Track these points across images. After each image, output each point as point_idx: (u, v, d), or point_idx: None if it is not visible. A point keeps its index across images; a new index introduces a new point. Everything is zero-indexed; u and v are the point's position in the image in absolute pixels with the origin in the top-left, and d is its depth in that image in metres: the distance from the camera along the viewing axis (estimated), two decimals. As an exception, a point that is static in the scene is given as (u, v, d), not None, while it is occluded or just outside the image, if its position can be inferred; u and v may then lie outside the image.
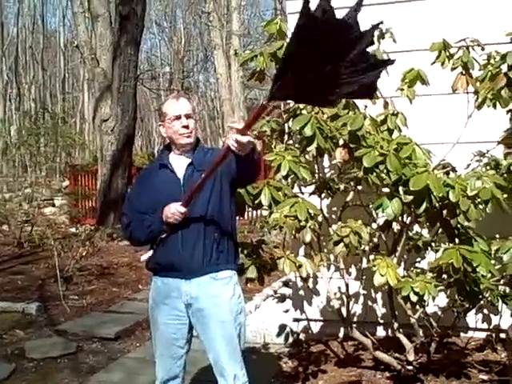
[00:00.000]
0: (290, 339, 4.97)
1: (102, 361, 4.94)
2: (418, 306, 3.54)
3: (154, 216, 2.80)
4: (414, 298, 3.21)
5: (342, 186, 3.91)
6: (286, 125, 4.21)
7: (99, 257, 9.09)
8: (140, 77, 14.63)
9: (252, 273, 3.44)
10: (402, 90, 3.91)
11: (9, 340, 5.52)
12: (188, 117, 2.85)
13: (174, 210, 2.70)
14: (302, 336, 4.98)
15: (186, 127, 2.84)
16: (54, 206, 13.97)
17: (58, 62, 37.88)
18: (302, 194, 4.06)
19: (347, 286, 4.02)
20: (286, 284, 6.31)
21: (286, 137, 4.23)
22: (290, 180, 3.78)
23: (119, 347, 5.31)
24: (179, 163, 2.89)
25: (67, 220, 12.88)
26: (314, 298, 4.79)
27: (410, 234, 3.97)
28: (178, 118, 2.84)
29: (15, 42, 35.20)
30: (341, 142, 3.74)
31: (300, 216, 3.39)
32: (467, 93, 3.80)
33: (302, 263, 3.56)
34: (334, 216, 4.40)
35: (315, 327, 4.94)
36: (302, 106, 3.84)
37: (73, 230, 11.20)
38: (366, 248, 3.71)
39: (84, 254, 7.82)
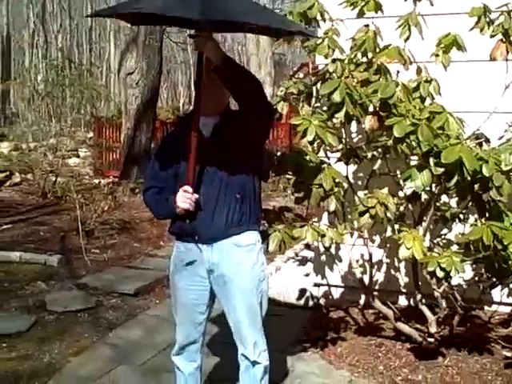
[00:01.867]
0: (310, 303, 4.95)
1: (121, 317, 4.98)
2: (443, 281, 3.46)
3: (168, 202, 2.72)
4: (440, 274, 3.13)
5: (369, 154, 3.80)
6: (314, 87, 4.08)
7: (121, 211, 9.10)
8: (166, 30, 14.38)
9: (274, 243, 3.36)
10: (437, 55, 3.74)
11: (30, 291, 5.58)
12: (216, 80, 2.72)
13: (180, 196, 2.65)
14: (322, 301, 4.95)
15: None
16: (78, 157, 14.04)
17: (85, 11, 37.57)
18: (328, 159, 3.97)
19: (370, 254, 3.95)
20: (307, 246, 6.25)
21: (313, 100, 4.11)
22: (315, 145, 3.68)
23: (138, 303, 5.34)
24: (207, 125, 2.78)
25: (91, 171, 12.92)
26: (335, 264, 4.73)
27: (438, 204, 3.86)
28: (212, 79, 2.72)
29: (43, -12, 34.97)
30: (370, 108, 3.62)
31: (325, 184, 3.30)
32: (506, 60, 3.64)
33: (325, 232, 3.48)
34: (359, 184, 4.30)
35: (336, 293, 4.90)
36: (331, 69, 3.71)
37: (97, 181, 11.26)
38: (391, 217, 3.61)
39: (106, 208, 7.84)
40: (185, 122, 2.84)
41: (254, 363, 2.85)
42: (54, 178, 10.68)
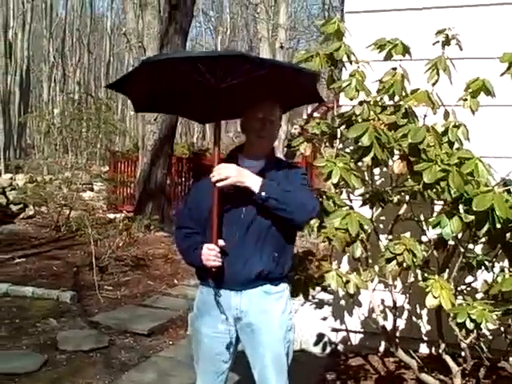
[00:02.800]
0: (328, 349, 4.81)
1: (134, 358, 4.87)
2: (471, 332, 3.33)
3: (195, 254, 2.64)
4: (470, 326, 3.00)
5: (395, 198, 3.72)
6: (338, 130, 4.03)
7: (135, 247, 9.04)
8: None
9: (298, 289, 3.27)
10: (465, 100, 3.68)
11: (42, 329, 5.50)
12: (270, 121, 2.70)
13: (205, 254, 2.57)
14: (340, 347, 4.81)
15: (264, 133, 2.70)
16: (92, 190, 14.05)
17: (103, 46, 38.22)
18: (351, 202, 3.89)
19: (394, 302, 3.83)
20: (324, 289, 6.13)
21: (337, 141, 4.05)
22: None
23: (152, 344, 5.23)
24: (248, 169, 2.65)
25: (105, 205, 12.92)
26: (355, 309, 4.61)
27: (462, 249, 3.76)
28: (260, 120, 2.68)
29: (63, 24, 35.58)
30: (396, 152, 3.56)
31: (351, 229, 3.21)
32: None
33: (349, 279, 3.38)
34: (381, 227, 4.21)
35: (355, 339, 4.76)
36: (358, 111, 3.66)
37: (110, 215, 11.23)
38: (419, 264, 3.51)
39: (121, 244, 7.78)
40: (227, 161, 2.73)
41: None
42: (67, 212, 10.67)
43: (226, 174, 2.52)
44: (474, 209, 2.96)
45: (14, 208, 11.68)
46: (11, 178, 12.77)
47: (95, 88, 37.41)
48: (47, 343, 5.09)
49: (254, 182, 2.52)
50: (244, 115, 2.75)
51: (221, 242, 2.59)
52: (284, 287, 2.75)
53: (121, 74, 38.34)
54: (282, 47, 20.24)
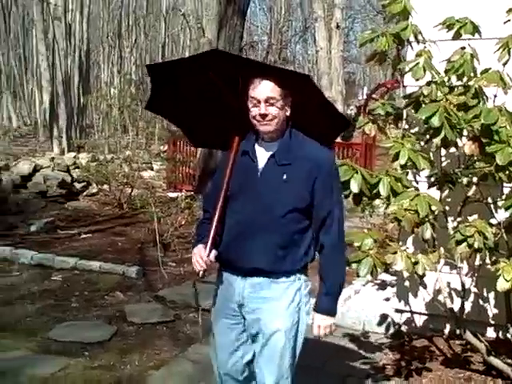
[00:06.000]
0: (391, 330, 4.83)
1: (199, 332, 4.99)
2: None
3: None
4: (543, 309, 2.99)
5: (464, 180, 3.69)
6: (404, 110, 4.02)
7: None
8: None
9: (365, 268, 3.29)
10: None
11: (110, 301, 5.71)
12: (269, 102, 2.44)
13: (196, 257, 2.56)
14: (403, 328, 4.82)
15: (264, 116, 2.46)
16: (152, 169, 14.29)
17: (159, 28, 38.45)
18: (417, 183, 3.89)
19: (463, 284, 3.83)
20: (386, 270, 6.13)
21: (403, 122, 4.04)
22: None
23: (215, 319, 5.34)
24: (262, 152, 2.57)
25: (164, 184, 13.13)
26: (419, 291, 4.61)
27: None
28: (258, 102, 2.45)
29: (120, 6, 35.99)
30: (465, 132, 3.53)
31: (421, 211, 3.22)
32: None
33: (418, 260, 3.39)
34: (449, 209, 4.19)
35: (419, 320, 4.76)
36: (426, 92, 3.64)
37: (170, 194, 11.41)
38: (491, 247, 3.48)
39: (183, 222, 7.92)
40: (242, 146, 2.63)
41: None
42: (129, 190, 10.91)
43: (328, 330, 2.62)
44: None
45: (78, 186, 12.01)
46: (74, 157, 13.11)
47: (152, 69, 37.72)
48: (116, 315, 5.28)
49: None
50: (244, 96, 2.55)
51: (212, 255, 2.54)
52: (295, 278, 2.59)
53: (176, 55, 38.69)
54: (337, 27, 20.02)
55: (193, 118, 2.89)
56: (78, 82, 24.62)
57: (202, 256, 2.51)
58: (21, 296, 5.73)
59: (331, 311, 2.60)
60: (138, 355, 4.43)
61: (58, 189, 11.42)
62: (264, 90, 2.43)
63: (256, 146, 2.59)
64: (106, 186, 11.69)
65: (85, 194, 11.86)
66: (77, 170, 12.26)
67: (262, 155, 2.56)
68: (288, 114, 2.52)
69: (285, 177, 2.48)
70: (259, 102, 2.44)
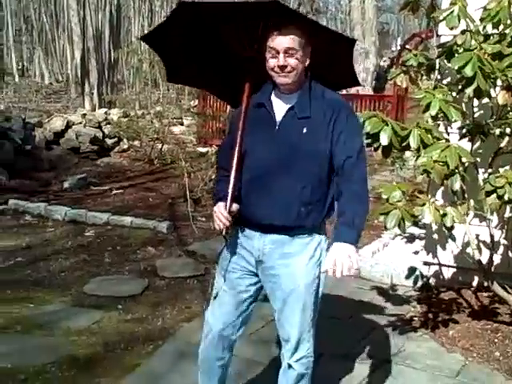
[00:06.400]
0: (419, 283, 4.82)
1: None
2: None
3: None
4: None
5: (497, 131, 3.60)
6: (437, 61, 3.91)
7: (226, 181, 9.19)
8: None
9: (393, 220, 3.24)
10: None
11: (141, 256, 5.81)
12: (288, 53, 2.34)
13: (216, 214, 2.44)
14: (431, 281, 4.81)
15: (283, 67, 2.36)
16: (182, 124, 14.29)
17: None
18: (448, 135, 3.81)
19: (492, 236, 3.78)
20: (415, 223, 6.09)
21: (436, 73, 3.94)
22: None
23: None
24: (280, 104, 2.48)
25: (195, 139, 13.14)
26: (448, 243, 4.57)
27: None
28: (276, 52, 2.35)
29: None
30: (499, 82, 3.43)
31: (450, 162, 3.16)
32: None
33: (446, 212, 3.35)
34: (480, 160, 4.11)
35: (447, 273, 4.74)
36: (460, 41, 3.52)
37: (200, 149, 11.43)
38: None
39: (213, 177, 7.93)
40: (256, 98, 2.54)
41: (289, 367, 2.61)
42: (160, 145, 10.96)
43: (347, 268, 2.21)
44: None
45: (109, 142, 12.11)
46: (105, 113, 13.17)
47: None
48: (147, 269, 5.38)
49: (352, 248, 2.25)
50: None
51: (234, 207, 2.46)
52: (315, 233, 2.52)
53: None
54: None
55: (213, 78, 2.84)
56: (108, 37, 24.54)
57: (222, 213, 2.42)
58: (55, 251, 5.86)
59: (353, 241, 2.26)
60: (170, 308, 4.51)
61: (90, 145, 11.56)
62: (284, 40, 2.33)
63: (273, 98, 2.50)
64: (136, 142, 11.76)
65: (116, 149, 11.97)
66: (108, 125, 12.34)
67: (280, 107, 2.47)
68: (307, 64, 2.43)
69: (305, 130, 2.40)
70: (278, 52, 2.34)
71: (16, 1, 37.03)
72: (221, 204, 2.46)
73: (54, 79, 33.90)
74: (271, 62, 2.38)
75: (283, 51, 2.34)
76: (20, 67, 34.48)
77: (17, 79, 28.55)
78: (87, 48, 20.62)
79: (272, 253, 2.51)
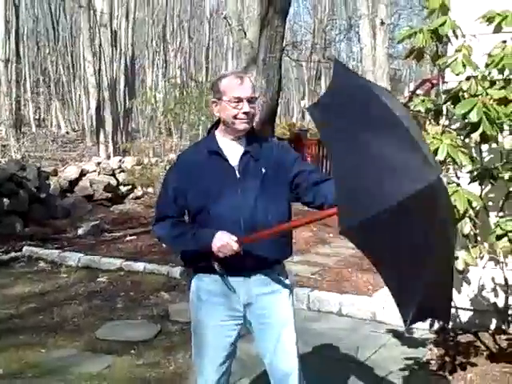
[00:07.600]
0: (436, 326, 4.78)
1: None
2: None
3: (197, 234, 2.49)
4: None
5: (506, 175, 3.63)
6: (444, 106, 3.98)
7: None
8: (286, 48, 14.52)
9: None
10: None
11: (154, 301, 5.81)
12: (250, 101, 2.50)
13: (226, 241, 2.36)
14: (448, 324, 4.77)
15: (247, 114, 2.49)
16: (195, 172, 14.43)
17: (202, 31, 38.84)
18: (458, 178, 3.85)
19: (506, 279, 3.77)
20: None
21: (443, 118, 4.00)
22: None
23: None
24: (232, 150, 2.56)
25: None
26: (463, 286, 4.55)
27: None
28: (239, 101, 2.48)
29: (164, 10, 36.48)
30: (505, 127, 3.48)
31: (459, 206, 3.19)
32: None
33: (458, 255, 3.36)
34: (491, 204, 4.13)
35: (464, 316, 4.70)
36: (465, 87, 3.60)
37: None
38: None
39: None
40: (205, 147, 2.59)
41: None
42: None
43: None
44: None
45: (124, 189, 12.24)
46: (120, 161, 13.34)
47: (195, 72, 38.26)
48: (160, 314, 5.38)
49: None
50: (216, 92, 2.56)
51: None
52: (283, 266, 2.68)
53: (220, 57, 38.99)
54: (382, 23, 19.80)
55: None
56: (123, 87, 25.12)
57: (231, 238, 2.38)
58: (68, 297, 5.89)
59: None
60: (182, 353, 4.49)
61: (104, 192, 11.68)
62: (247, 89, 2.51)
63: (221, 145, 2.57)
64: (150, 189, 11.85)
65: (130, 197, 12.07)
66: (122, 173, 12.49)
67: (232, 153, 2.56)
68: None
69: (263, 170, 2.52)
70: (241, 100, 2.48)
71: (34, 53, 38.03)
72: (222, 232, 2.41)
73: (71, 128, 34.53)
74: (234, 111, 2.49)
75: (247, 99, 2.49)
76: (37, 117, 35.14)
77: (34, 129, 29.09)
78: (102, 98, 21.06)
79: (261, 292, 2.57)
